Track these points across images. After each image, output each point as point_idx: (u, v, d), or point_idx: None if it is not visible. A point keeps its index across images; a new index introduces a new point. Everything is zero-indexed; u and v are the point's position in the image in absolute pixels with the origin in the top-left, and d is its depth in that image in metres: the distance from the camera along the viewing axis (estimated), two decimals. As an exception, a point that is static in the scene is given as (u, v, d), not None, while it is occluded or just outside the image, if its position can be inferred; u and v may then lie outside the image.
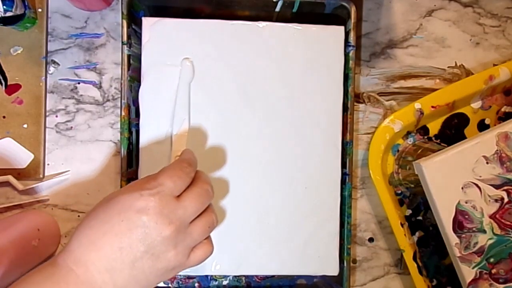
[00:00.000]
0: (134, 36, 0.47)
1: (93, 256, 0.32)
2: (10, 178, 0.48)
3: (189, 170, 0.36)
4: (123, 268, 0.32)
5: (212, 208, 0.38)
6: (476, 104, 0.53)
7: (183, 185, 0.35)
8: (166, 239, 0.33)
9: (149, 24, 0.46)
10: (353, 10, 0.47)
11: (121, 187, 0.46)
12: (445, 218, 0.46)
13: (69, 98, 0.50)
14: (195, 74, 0.46)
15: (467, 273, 0.47)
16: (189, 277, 0.50)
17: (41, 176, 0.49)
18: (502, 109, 0.53)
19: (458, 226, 0.46)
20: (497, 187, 0.46)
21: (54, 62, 0.50)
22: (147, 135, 0.46)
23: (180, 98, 0.45)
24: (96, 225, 0.33)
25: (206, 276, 0.50)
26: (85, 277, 0.32)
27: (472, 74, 0.53)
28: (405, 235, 0.49)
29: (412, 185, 0.52)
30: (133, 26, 0.47)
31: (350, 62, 0.48)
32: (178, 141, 0.45)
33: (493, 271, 0.47)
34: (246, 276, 0.51)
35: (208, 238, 0.37)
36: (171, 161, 0.44)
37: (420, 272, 0.49)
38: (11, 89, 0.49)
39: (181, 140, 0.45)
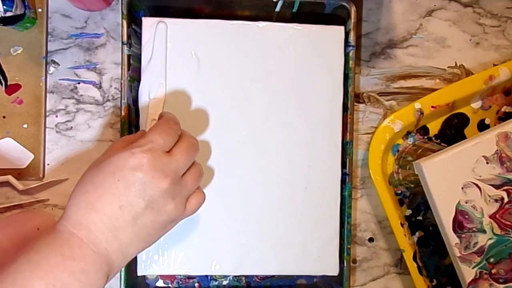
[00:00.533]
0: (134, 36, 0.47)
1: (93, 218, 0.32)
2: (10, 178, 0.48)
3: (176, 128, 0.37)
4: (126, 225, 0.33)
5: (195, 160, 0.39)
6: (476, 104, 0.53)
7: (172, 141, 0.36)
8: (164, 192, 0.34)
9: (149, 24, 0.46)
10: (353, 10, 0.47)
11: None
12: (445, 218, 0.46)
13: (69, 98, 0.50)
14: (194, 74, 0.46)
15: (467, 273, 0.47)
16: (189, 277, 0.50)
17: (41, 176, 0.49)
18: (502, 109, 0.53)
19: (458, 226, 0.46)
20: (497, 187, 0.46)
21: (54, 62, 0.50)
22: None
23: (156, 61, 0.45)
24: (92, 189, 0.33)
25: (206, 276, 0.50)
26: (88, 238, 0.32)
27: (472, 74, 0.53)
28: (405, 235, 0.49)
29: (412, 185, 0.52)
30: (133, 26, 0.47)
31: (350, 62, 0.48)
32: (155, 105, 0.45)
33: (493, 271, 0.47)
34: (246, 276, 0.51)
35: (199, 187, 0.39)
36: (147, 123, 0.44)
37: (420, 272, 0.49)
38: (11, 89, 0.49)
39: (158, 104, 0.45)
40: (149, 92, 0.45)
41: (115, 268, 0.34)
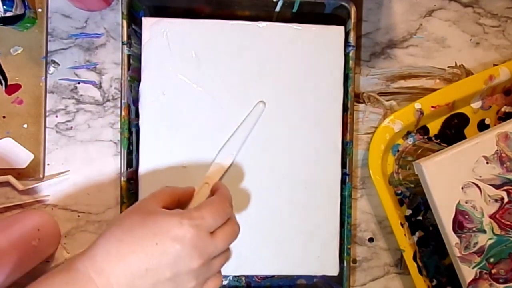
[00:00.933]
0: (134, 36, 0.47)
1: (118, 270, 0.32)
2: (10, 178, 0.48)
3: (230, 211, 0.37)
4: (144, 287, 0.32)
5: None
6: (476, 104, 0.53)
7: (220, 224, 0.36)
8: (192, 271, 0.34)
9: (149, 24, 0.46)
10: (353, 10, 0.47)
11: (121, 187, 0.46)
12: (445, 218, 0.46)
13: (69, 98, 0.50)
14: (194, 74, 0.46)
15: (467, 273, 0.47)
16: (189, 277, 0.50)
17: (41, 176, 0.49)
18: (502, 109, 0.53)
19: (458, 226, 0.46)
20: (497, 187, 0.46)
21: (54, 62, 0.50)
22: (147, 135, 0.46)
23: (241, 132, 0.46)
24: (128, 240, 0.32)
25: (206, 276, 0.50)
26: None
27: (472, 74, 0.53)
28: (405, 235, 0.49)
29: (412, 185, 0.52)
30: (133, 26, 0.47)
31: (350, 62, 0.48)
32: (215, 170, 0.45)
33: (493, 271, 0.47)
34: (246, 276, 0.51)
35: (219, 271, 0.38)
36: (199, 185, 0.43)
37: (420, 272, 0.49)
38: (11, 89, 0.49)
39: (218, 171, 0.45)
40: (216, 156, 0.46)
41: None
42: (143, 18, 0.46)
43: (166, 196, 0.37)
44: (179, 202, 0.38)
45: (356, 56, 0.50)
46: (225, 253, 0.37)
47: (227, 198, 0.38)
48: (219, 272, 0.38)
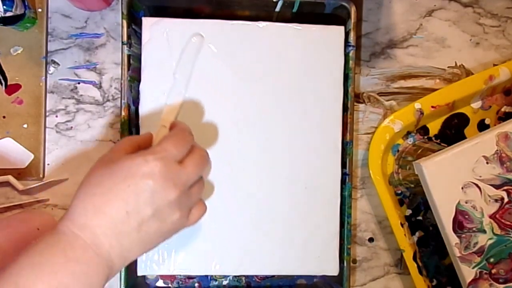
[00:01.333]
0: (134, 36, 0.47)
1: (99, 221, 0.32)
2: (10, 178, 0.48)
3: (190, 139, 0.37)
4: (130, 231, 0.33)
5: None
6: (476, 104, 0.53)
7: (185, 152, 0.36)
8: (172, 202, 0.34)
9: (149, 24, 0.46)
10: (353, 10, 0.47)
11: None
12: (445, 218, 0.46)
13: (69, 98, 0.50)
14: (195, 74, 0.46)
15: (467, 273, 0.47)
16: (189, 277, 0.50)
17: (41, 176, 0.49)
18: (502, 109, 0.53)
19: (458, 226, 0.46)
20: (497, 187, 0.46)
21: (54, 62, 0.50)
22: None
23: (183, 71, 0.45)
24: (101, 192, 0.33)
25: (206, 276, 0.50)
26: (92, 241, 0.32)
27: (472, 74, 0.53)
28: (405, 235, 0.49)
29: (412, 185, 0.52)
30: (133, 26, 0.47)
31: (350, 62, 0.48)
32: (169, 111, 0.45)
33: (493, 271, 0.47)
34: (246, 276, 0.51)
35: (201, 198, 0.39)
36: (158, 130, 0.43)
37: (420, 272, 0.49)
38: (11, 89, 0.49)
39: (173, 111, 0.45)
40: (166, 98, 0.45)
41: (114, 271, 0.34)
42: (143, 18, 0.46)
43: (125, 146, 0.36)
44: (140, 149, 0.38)
45: (356, 56, 0.50)
46: (200, 182, 0.38)
47: (185, 129, 0.38)
48: (201, 200, 0.38)
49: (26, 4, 0.47)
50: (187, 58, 0.46)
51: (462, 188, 0.46)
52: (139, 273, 0.46)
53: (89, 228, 0.32)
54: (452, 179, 0.46)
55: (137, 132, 0.46)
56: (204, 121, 0.46)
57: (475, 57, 0.53)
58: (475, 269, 0.47)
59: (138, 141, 0.38)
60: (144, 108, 0.46)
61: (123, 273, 0.45)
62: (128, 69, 0.46)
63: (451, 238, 0.46)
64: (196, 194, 0.37)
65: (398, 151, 0.52)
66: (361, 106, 0.53)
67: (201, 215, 0.38)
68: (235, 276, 0.51)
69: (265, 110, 0.47)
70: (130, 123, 0.46)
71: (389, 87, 0.53)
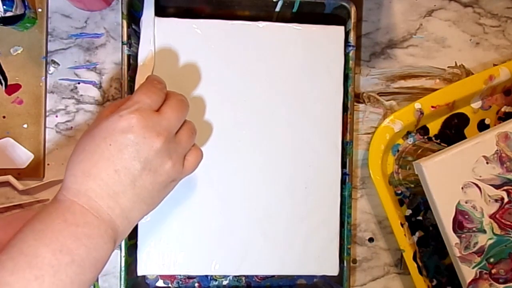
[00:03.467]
0: (134, 36, 0.47)
1: (91, 185, 0.32)
2: (10, 178, 0.48)
3: (161, 86, 0.37)
4: (125, 189, 0.33)
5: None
6: (476, 104, 0.53)
7: (159, 100, 0.36)
8: (159, 151, 0.33)
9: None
10: (353, 10, 0.47)
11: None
12: (445, 218, 0.46)
13: (69, 98, 0.50)
14: (194, 74, 0.46)
15: (467, 273, 0.47)
16: (189, 277, 0.50)
17: (41, 176, 0.49)
18: (502, 109, 0.53)
19: (458, 226, 0.46)
20: (497, 187, 0.46)
21: (54, 62, 0.50)
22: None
23: (145, 29, 0.45)
24: (86, 157, 0.33)
25: (206, 276, 0.50)
26: (89, 205, 0.32)
27: (472, 74, 0.53)
28: (405, 235, 0.49)
29: (412, 185, 0.52)
30: (133, 26, 0.47)
31: (350, 62, 0.48)
32: (142, 71, 0.44)
33: (493, 271, 0.47)
34: (246, 276, 0.51)
35: (195, 144, 0.38)
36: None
37: (420, 272, 0.49)
38: (11, 89, 0.49)
39: (147, 70, 0.45)
40: (138, 58, 0.45)
41: (120, 232, 0.34)
42: (142, 18, 0.46)
43: (107, 111, 0.36)
44: None
45: (356, 56, 0.50)
46: (187, 124, 0.37)
47: (154, 78, 0.37)
48: (195, 145, 0.38)
49: (26, 4, 0.47)
50: (147, 13, 0.45)
51: (462, 188, 0.46)
52: (139, 273, 0.46)
53: (83, 193, 0.32)
54: (452, 179, 0.46)
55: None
56: (204, 121, 0.46)
57: (475, 57, 0.53)
58: (475, 269, 0.47)
59: (118, 104, 0.37)
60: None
61: (123, 273, 0.45)
62: (128, 69, 0.46)
63: (451, 238, 0.46)
64: (187, 140, 0.36)
65: (398, 151, 0.52)
66: (361, 106, 0.53)
67: (197, 161, 0.38)
68: (235, 276, 0.51)
69: (265, 110, 0.47)
70: (130, 123, 0.46)
71: (389, 87, 0.53)
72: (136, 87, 0.44)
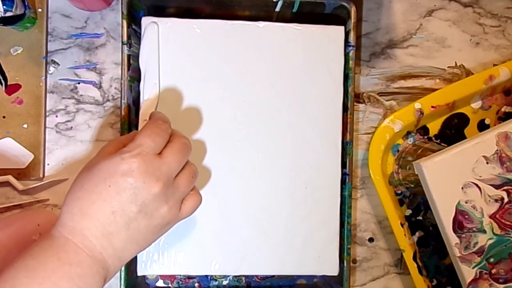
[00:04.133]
0: (134, 36, 0.47)
1: (87, 224, 0.32)
2: (10, 178, 0.48)
3: (166, 127, 0.36)
4: (119, 230, 0.33)
5: (189, 160, 0.38)
6: (476, 104, 0.53)
7: (162, 142, 0.35)
8: (156, 196, 0.33)
9: (148, 23, 0.46)
10: (353, 10, 0.47)
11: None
12: (445, 218, 0.46)
13: (69, 98, 0.50)
14: (195, 74, 0.46)
15: (467, 273, 0.47)
16: (189, 277, 0.50)
17: (41, 176, 0.49)
18: (502, 109, 0.53)
19: (458, 226, 0.46)
20: (497, 187, 0.46)
21: (54, 62, 0.50)
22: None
23: (149, 62, 0.45)
24: (84, 195, 0.33)
25: (206, 276, 0.50)
26: (83, 244, 0.32)
27: (472, 74, 0.53)
28: (405, 235, 0.49)
29: (412, 185, 0.52)
30: (133, 26, 0.47)
31: (350, 62, 0.48)
32: (147, 105, 0.45)
33: (493, 271, 0.47)
34: (246, 276, 0.51)
35: (194, 188, 0.38)
36: (140, 125, 0.43)
37: (420, 272, 0.49)
38: (11, 89, 0.49)
39: (151, 104, 0.45)
40: (143, 93, 0.45)
41: (111, 271, 0.34)
42: (143, 18, 0.46)
43: (110, 148, 0.36)
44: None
45: (356, 56, 0.50)
46: (188, 168, 0.37)
47: (159, 118, 0.37)
48: (195, 189, 0.38)
49: (26, 4, 0.47)
50: (149, 48, 0.45)
51: (462, 188, 0.46)
52: (139, 273, 0.46)
53: (78, 232, 0.32)
54: (452, 179, 0.46)
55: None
56: (203, 121, 0.46)
57: (475, 57, 0.53)
58: (475, 269, 0.47)
59: (122, 141, 0.37)
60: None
61: (123, 273, 0.45)
62: (128, 69, 0.46)
63: (451, 238, 0.46)
64: (186, 184, 0.36)
65: (398, 151, 0.52)
66: (361, 106, 0.53)
67: (195, 206, 0.38)
68: (235, 276, 0.51)
69: (265, 110, 0.47)
70: (130, 123, 0.46)
71: (389, 87, 0.53)
72: (140, 121, 0.44)
